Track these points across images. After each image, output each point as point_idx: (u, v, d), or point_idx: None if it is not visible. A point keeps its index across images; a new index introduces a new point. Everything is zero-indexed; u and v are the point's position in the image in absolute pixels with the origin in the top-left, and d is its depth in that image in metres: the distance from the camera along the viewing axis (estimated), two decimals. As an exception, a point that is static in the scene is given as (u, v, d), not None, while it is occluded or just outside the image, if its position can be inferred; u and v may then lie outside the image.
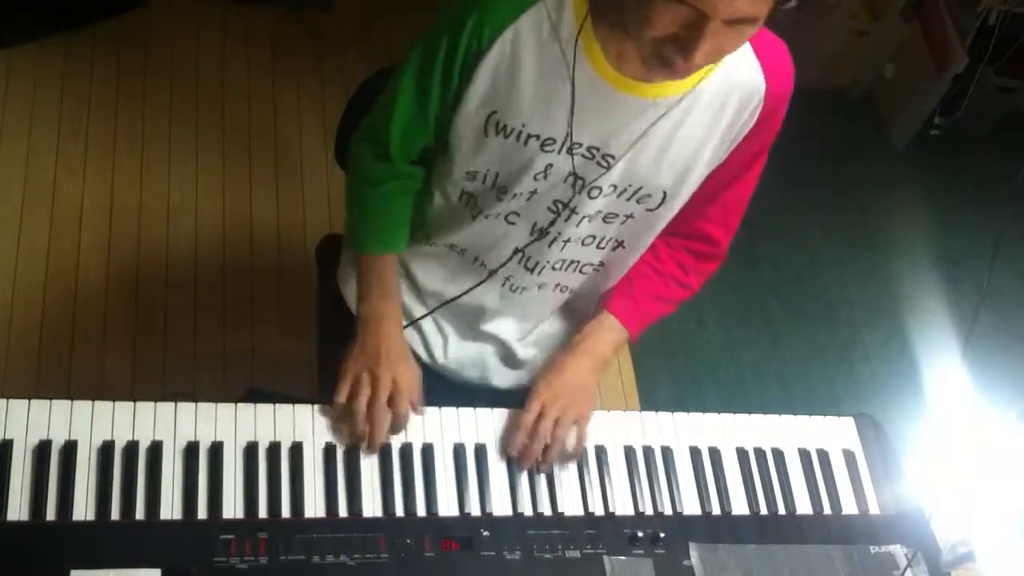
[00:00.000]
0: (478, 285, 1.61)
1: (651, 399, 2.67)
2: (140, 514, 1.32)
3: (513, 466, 1.48)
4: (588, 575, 1.39)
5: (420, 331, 1.71)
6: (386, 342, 1.51)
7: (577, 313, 1.71)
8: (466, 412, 1.52)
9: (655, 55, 1.24)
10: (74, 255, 2.60)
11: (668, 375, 2.74)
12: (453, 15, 1.35)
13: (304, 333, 2.54)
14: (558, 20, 1.32)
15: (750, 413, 1.63)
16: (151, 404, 1.41)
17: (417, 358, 1.72)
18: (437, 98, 1.42)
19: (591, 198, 1.45)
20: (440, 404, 1.52)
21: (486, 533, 1.40)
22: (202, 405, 1.43)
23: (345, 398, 1.47)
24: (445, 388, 1.72)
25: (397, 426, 1.47)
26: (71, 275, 2.57)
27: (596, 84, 1.34)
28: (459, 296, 1.64)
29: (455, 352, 1.71)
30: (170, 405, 1.42)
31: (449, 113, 1.42)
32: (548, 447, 1.48)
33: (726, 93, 1.39)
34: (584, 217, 1.48)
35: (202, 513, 1.34)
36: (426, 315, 1.68)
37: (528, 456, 1.48)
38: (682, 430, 1.58)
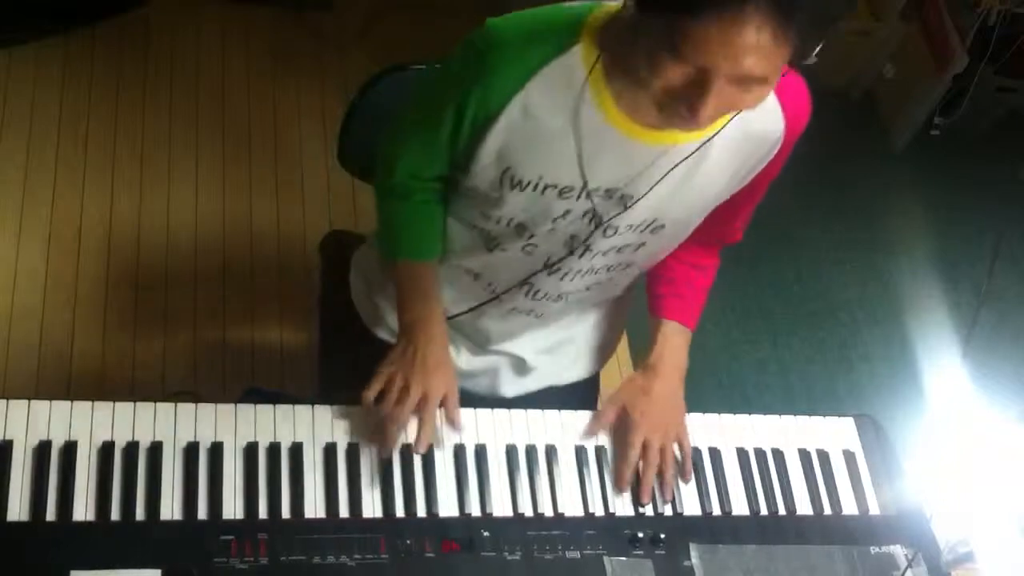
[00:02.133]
0: (483, 304, 1.61)
1: (651, 399, 2.66)
2: (140, 514, 1.32)
3: (513, 460, 1.48)
4: (588, 575, 1.39)
5: None
6: (423, 350, 1.49)
7: (586, 313, 1.71)
8: (466, 412, 1.52)
9: (664, 106, 1.22)
10: (74, 255, 2.60)
11: (668, 375, 2.73)
12: (455, 85, 1.33)
13: (304, 333, 2.55)
14: (571, 77, 1.30)
15: (750, 413, 1.63)
16: (151, 404, 1.41)
17: None
18: (445, 150, 1.41)
19: (606, 236, 1.45)
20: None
21: (486, 534, 1.40)
22: (202, 405, 1.43)
23: (373, 398, 1.45)
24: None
25: (421, 438, 1.45)
26: (71, 275, 2.57)
27: (607, 132, 1.33)
28: (462, 314, 1.63)
29: (467, 365, 1.71)
30: (170, 405, 1.42)
31: (463, 162, 1.41)
32: (664, 474, 1.50)
33: (744, 137, 1.38)
34: (597, 253, 1.48)
35: (202, 513, 1.34)
36: None
37: (645, 489, 1.49)
38: (682, 430, 1.58)
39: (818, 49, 1.15)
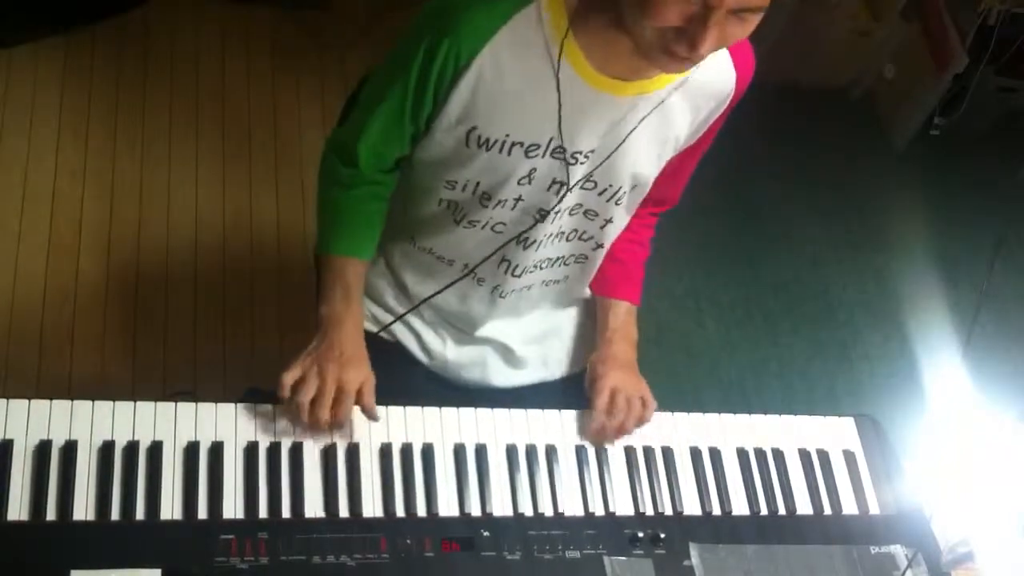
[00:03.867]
0: (459, 280, 1.61)
1: (651, 399, 2.67)
2: (140, 514, 1.32)
3: (513, 460, 1.48)
4: (588, 575, 1.39)
5: (417, 335, 1.70)
6: (340, 345, 1.48)
7: (568, 300, 1.73)
8: (466, 412, 1.52)
9: (658, 46, 1.23)
10: (74, 255, 2.60)
11: (668, 375, 2.74)
12: (425, 39, 1.33)
13: (304, 333, 2.55)
14: (537, 29, 1.31)
15: (750, 413, 1.63)
16: (151, 404, 1.41)
17: (416, 360, 1.72)
18: (410, 118, 1.41)
19: (565, 194, 1.47)
20: (441, 405, 1.52)
21: (486, 533, 1.40)
22: (202, 405, 1.43)
23: (288, 391, 1.44)
24: (444, 391, 1.72)
25: (336, 425, 1.44)
26: (71, 275, 2.57)
27: (577, 86, 1.35)
28: (438, 292, 1.64)
29: (454, 355, 1.71)
30: (170, 405, 1.42)
31: (427, 127, 1.42)
32: (623, 422, 1.54)
33: (702, 90, 1.42)
34: (556, 212, 1.49)
35: (202, 513, 1.34)
36: (409, 311, 1.68)
37: (607, 433, 1.53)
38: (682, 430, 1.58)
39: None
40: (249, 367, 2.51)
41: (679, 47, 1.20)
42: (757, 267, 3.09)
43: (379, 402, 1.48)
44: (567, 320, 1.76)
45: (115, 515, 1.31)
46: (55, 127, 2.82)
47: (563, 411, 1.56)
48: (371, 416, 1.47)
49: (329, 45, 3.17)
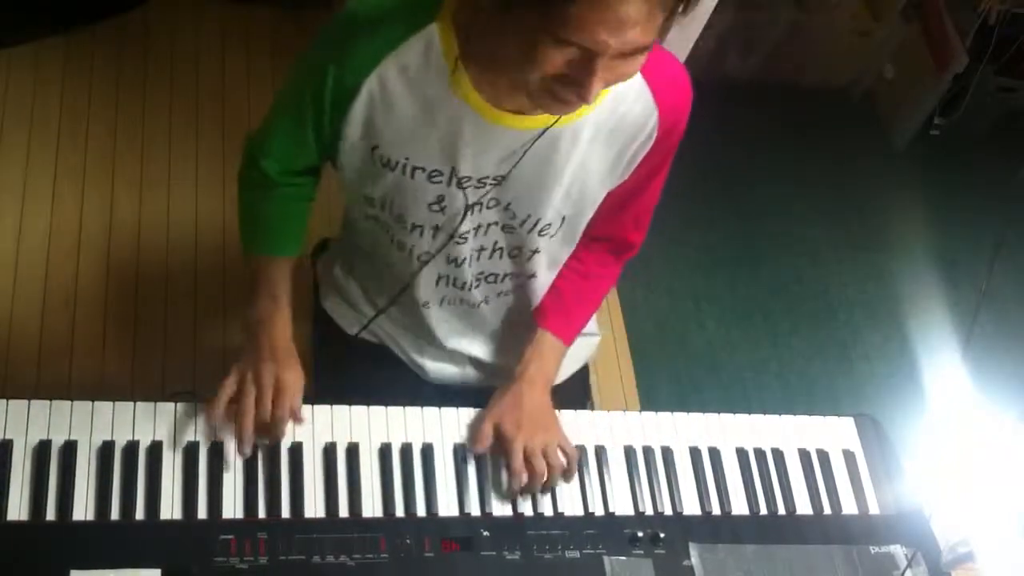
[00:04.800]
0: (401, 294, 1.59)
1: (651, 399, 2.66)
2: (140, 514, 1.32)
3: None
4: (588, 575, 1.39)
5: (396, 340, 1.70)
6: (271, 344, 1.47)
7: (525, 316, 1.68)
8: (466, 412, 1.52)
9: (544, 93, 1.20)
10: (74, 255, 2.60)
11: (668, 375, 2.74)
12: (313, 63, 1.34)
13: (303, 333, 2.54)
14: (427, 56, 1.29)
15: (750, 413, 1.63)
16: (151, 404, 1.41)
17: (403, 364, 1.72)
18: (313, 130, 1.40)
19: (472, 214, 1.44)
20: (440, 405, 1.52)
21: (486, 533, 1.40)
22: (202, 405, 1.43)
23: (228, 396, 1.42)
24: (433, 393, 1.72)
25: (275, 428, 1.42)
26: (71, 275, 2.57)
27: (471, 117, 1.32)
28: (382, 311, 1.63)
29: (432, 364, 1.71)
30: (170, 405, 1.42)
31: (331, 142, 1.41)
32: (548, 481, 1.47)
33: (615, 122, 1.37)
34: (474, 228, 1.46)
35: (202, 513, 1.34)
36: (372, 320, 1.68)
37: (531, 489, 1.46)
38: (682, 430, 1.58)
39: (683, 8, 1.14)
40: (249, 367, 2.51)
41: (566, 93, 1.17)
42: (757, 267, 3.09)
43: (377, 402, 1.49)
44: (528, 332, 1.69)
45: (115, 515, 1.31)
46: (55, 127, 2.81)
47: (561, 411, 1.56)
48: (296, 418, 1.44)
49: (329, 45, 3.17)
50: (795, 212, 3.23)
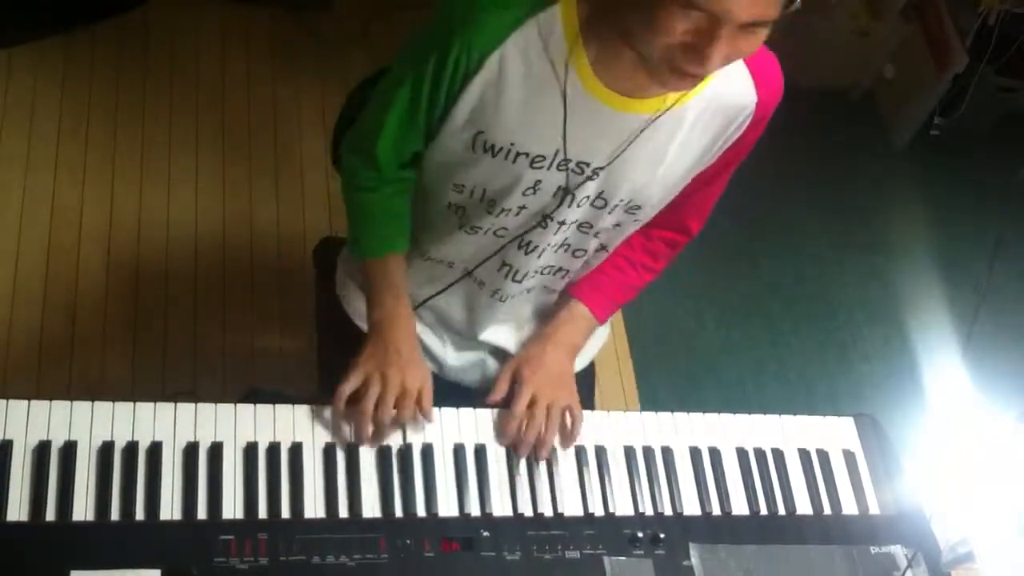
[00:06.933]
0: (458, 282, 1.60)
1: (651, 399, 2.66)
2: (140, 514, 1.32)
3: (513, 460, 1.48)
4: (588, 575, 1.39)
5: (420, 342, 1.70)
6: (396, 344, 1.50)
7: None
8: (466, 412, 1.52)
9: (665, 63, 1.21)
10: (74, 255, 2.60)
11: (668, 375, 2.74)
12: (440, 35, 1.33)
13: (304, 333, 2.55)
14: (548, 38, 1.30)
15: (750, 413, 1.63)
16: (151, 404, 1.41)
17: None
18: (425, 114, 1.40)
19: (569, 207, 1.45)
20: (440, 405, 1.52)
21: (486, 533, 1.40)
22: (202, 405, 1.43)
23: (348, 392, 1.45)
24: (444, 390, 1.71)
25: (392, 429, 1.46)
26: (71, 275, 2.57)
27: (585, 100, 1.33)
28: (438, 293, 1.63)
29: (453, 358, 1.72)
30: (170, 405, 1.42)
31: (437, 127, 1.41)
32: (544, 434, 1.49)
33: (717, 107, 1.38)
34: (560, 224, 1.47)
35: (202, 513, 1.34)
36: (424, 302, 1.67)
37: (525, 444, 1.48)
38: (682, 430, 1.58)
39: None
40: (249, 367, 2.51)
41: (687, 64, 1.18)
42: (757, 267, 3.09)
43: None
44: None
45: (115, 515, 1.31)
46: (55, 127, 2.82)
47: (563, 411, 1.56)
48: (427, 418, 1.48)
49: (329, 45, 3.17)
50: (795, 212, 3.22)
